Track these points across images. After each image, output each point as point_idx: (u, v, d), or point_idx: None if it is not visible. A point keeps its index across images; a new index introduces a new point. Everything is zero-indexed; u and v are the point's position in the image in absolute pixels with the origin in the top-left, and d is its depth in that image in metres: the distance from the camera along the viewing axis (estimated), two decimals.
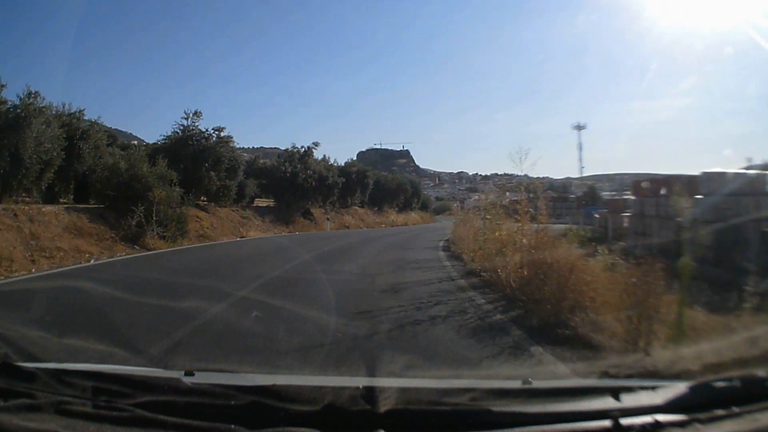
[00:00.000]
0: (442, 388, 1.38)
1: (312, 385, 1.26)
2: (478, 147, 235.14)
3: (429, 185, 46.68)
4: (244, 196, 21.35)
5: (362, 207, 33.43)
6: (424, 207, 48.06)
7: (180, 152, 16.99)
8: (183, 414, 1.08)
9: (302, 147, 26.21)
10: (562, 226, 11.82)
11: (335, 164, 28.93)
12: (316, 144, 26.81)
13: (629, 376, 2.47)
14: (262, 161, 26.50)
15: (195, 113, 17.96)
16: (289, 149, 26.37)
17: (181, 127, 17.92)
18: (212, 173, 17.41)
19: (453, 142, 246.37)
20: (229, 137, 18.63)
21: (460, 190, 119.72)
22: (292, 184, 23.90)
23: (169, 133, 18.02)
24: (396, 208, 38.45)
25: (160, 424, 1.06)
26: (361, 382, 1.43)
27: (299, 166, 24.60)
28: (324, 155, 30.29)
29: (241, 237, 17.14)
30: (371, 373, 3.02)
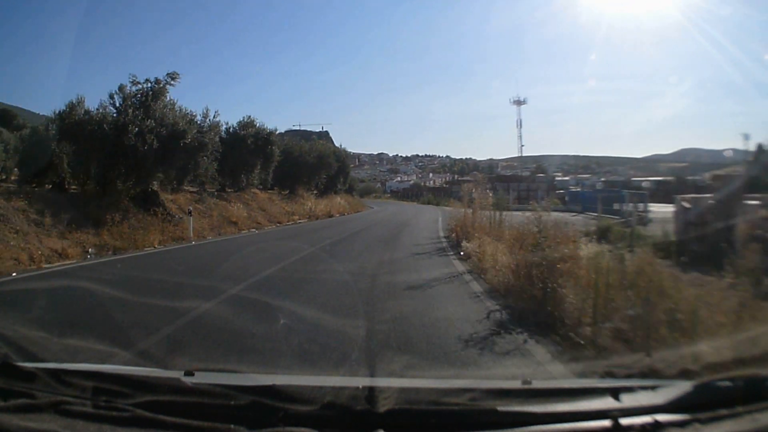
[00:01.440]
0: (442, 388, 1.38)
1: (312, 385, 1.26)
2: (397, 128, 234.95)
3: (350, 167, 41.36)
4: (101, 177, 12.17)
5: (265, 190, 22.20)
6: (350, 189, 38.06)
7: None
8: (183, 414, 1.08)
9: (146, 81, 13.35)
10: (568, 215, 9.87)
11: (218, 121, 16.72)
12: (172, 76, 13.79)
13: (629, 376, 2.47)
14: (84, 111, 12.78)
15: None
16: (125, 87, 13.11)
17: None
18: None
19: (372, 123, 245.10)
20: None
21: (381, 171, 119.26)
22: (116, 145, 11.99)
23: None
24: (315, 191, 27.41)
25: (160, 424, 1.06)
26: (360, 382, 1.43)
27: (133, 113, 12.52)
28: (206, 109, 16.46)
29: None
30: (371, 373, 3.01)
